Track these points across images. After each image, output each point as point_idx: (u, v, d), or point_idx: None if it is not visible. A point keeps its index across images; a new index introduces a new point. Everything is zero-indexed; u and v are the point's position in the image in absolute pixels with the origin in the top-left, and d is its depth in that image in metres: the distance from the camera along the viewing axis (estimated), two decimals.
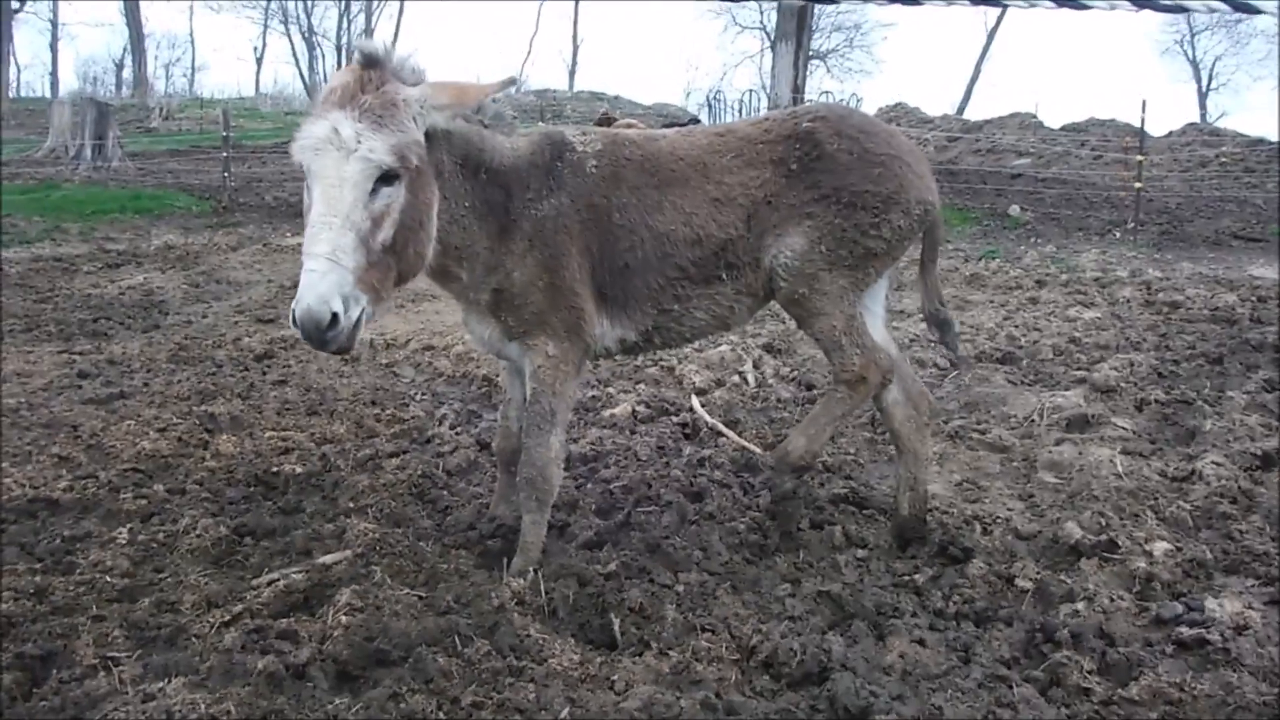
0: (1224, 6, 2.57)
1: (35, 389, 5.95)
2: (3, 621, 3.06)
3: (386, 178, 2.87)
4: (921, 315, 4.06)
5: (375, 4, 55.96)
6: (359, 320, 2.83)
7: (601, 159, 3.52)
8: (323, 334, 2.73)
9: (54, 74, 54.78)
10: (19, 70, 53.31)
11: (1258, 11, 2.56)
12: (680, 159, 3.59)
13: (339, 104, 2.87)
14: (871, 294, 3.81)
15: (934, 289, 4.00)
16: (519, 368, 3.68)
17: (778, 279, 3.57)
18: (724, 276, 3.58)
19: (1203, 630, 3.07)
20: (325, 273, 2.73)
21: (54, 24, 53.36)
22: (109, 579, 3.40)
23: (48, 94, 46.39)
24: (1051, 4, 2.54)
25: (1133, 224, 14.93)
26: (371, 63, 2.97)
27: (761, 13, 44.61)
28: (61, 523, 3.93)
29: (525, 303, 3.40)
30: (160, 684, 2.69)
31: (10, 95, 37.60)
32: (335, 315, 2.73)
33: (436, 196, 3.12)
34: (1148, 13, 2.74)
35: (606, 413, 5.58)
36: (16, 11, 41.58)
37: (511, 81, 3.20)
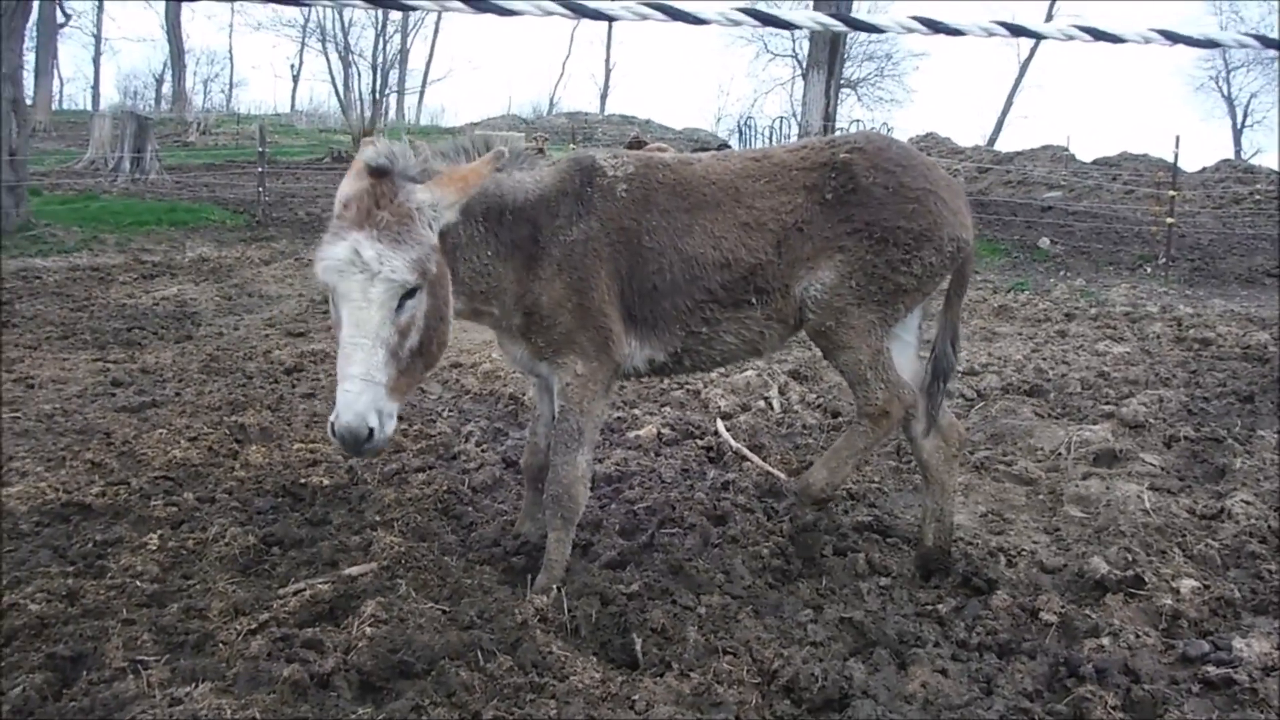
0: (1254, 43, 2.58)
1: (69, 396, 6.05)
2: (35, 623, 3.11)
3: (410, 292, 2.97)
4: (931, 349, 3.93)
5: (411, 25, 56.72)
6: (391, 424, 3.00)
7: (632, 182, 3.56)
8: (360, 447, 2.92)
9: (96, 87, 55.81)
10: (62, 83, 54.40)
11: (1213, 44, 2.57)
12: (712, 183, 3.61)
13: (357, 223, 2.92)
14: (904, 324, 3.78)
15: (953, 327, 3.90)
16: (549, 385, 3.72)
17: (807, 310, 3.59)
18: (753, 301, 3.59)
19: (1230, 670, 3.04)
20: (360, 392, 2.88)
21: (97, 38, 54.44)
22: (139, 584, 3.45)
23: (89, 107, 47.28)
24: (1088, 37, 2.55)
25: (1164, 259, 14.82)
26: (381, 173, 3.00)
27: (794, 40, 44.83)
28: (93, 527, 3.99)
29: (554, 324, 3.43)
30: (187, 688, 2.73)
31: (53, 107, 38.34)
32: (371, 430, 2.88)
33: (449, 278, 3.20)
34: (1181, 48, 2.76)
35: (632, 434, 5.60)
36: (61, 26, 42.47)
37: (500, 155, 3.22)
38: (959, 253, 3.63)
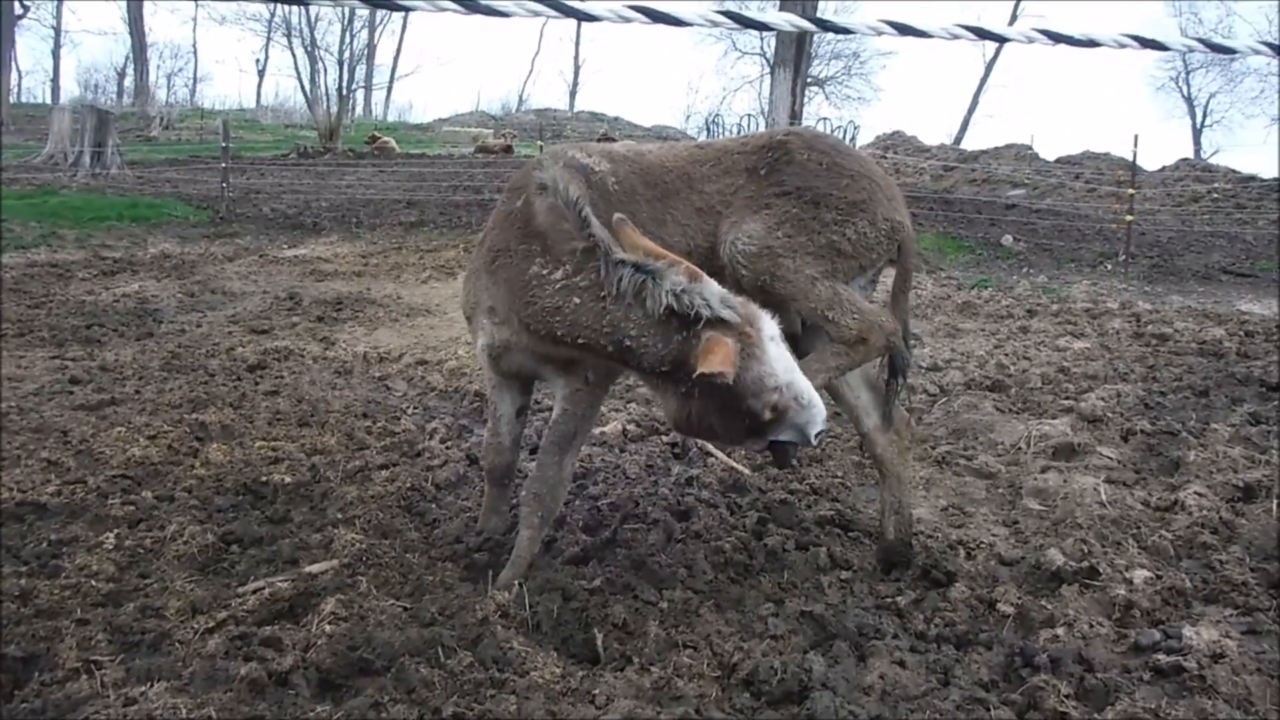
0: (1133, 43, 2.66)
1: (26, 394, 5.95)
2: None
3: None
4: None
5: (378, 20, 56.33)
6: None
7: (617, 175, 3.54)
8: None
9: (55, 81, 55.03)
10: (20, 76, 53.45)
11: (1164, 48, 2.68)
12: (669, 170, 3.65)
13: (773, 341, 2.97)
14: None
15: (903, 324, 3.83)
16: (523, 386, 3.73)
17: (738, 269, 3.50)
18: None
19: (1180, 658, 3.10)
20: None
21: (57, 31, 53.60)
22: (94, 583, 3.40)
23: (49, 100, 46.52)
24: (1048, 41, 2.63)
25: (1124, 257, 15.05)
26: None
27: (761, 39, 45.03)
28: (49, 527, 3.93)
29: None
30: (142, 688, 2.70)
31: (11, 101, 37.66)
32: None
33: None
34: (1150, 51, 2.84)
35: (597, 430, 5.60)
36: (20, 18, 41.74)
37: None
38: (894, 234, 3.63)
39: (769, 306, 3.59)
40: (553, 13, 2.28)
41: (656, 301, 2.91)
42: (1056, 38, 2.70)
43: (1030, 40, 2.77)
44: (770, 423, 2.96)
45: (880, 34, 2.60)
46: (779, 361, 2.93)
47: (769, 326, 2.95)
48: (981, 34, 2.67)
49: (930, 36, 2.62)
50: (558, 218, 3.17)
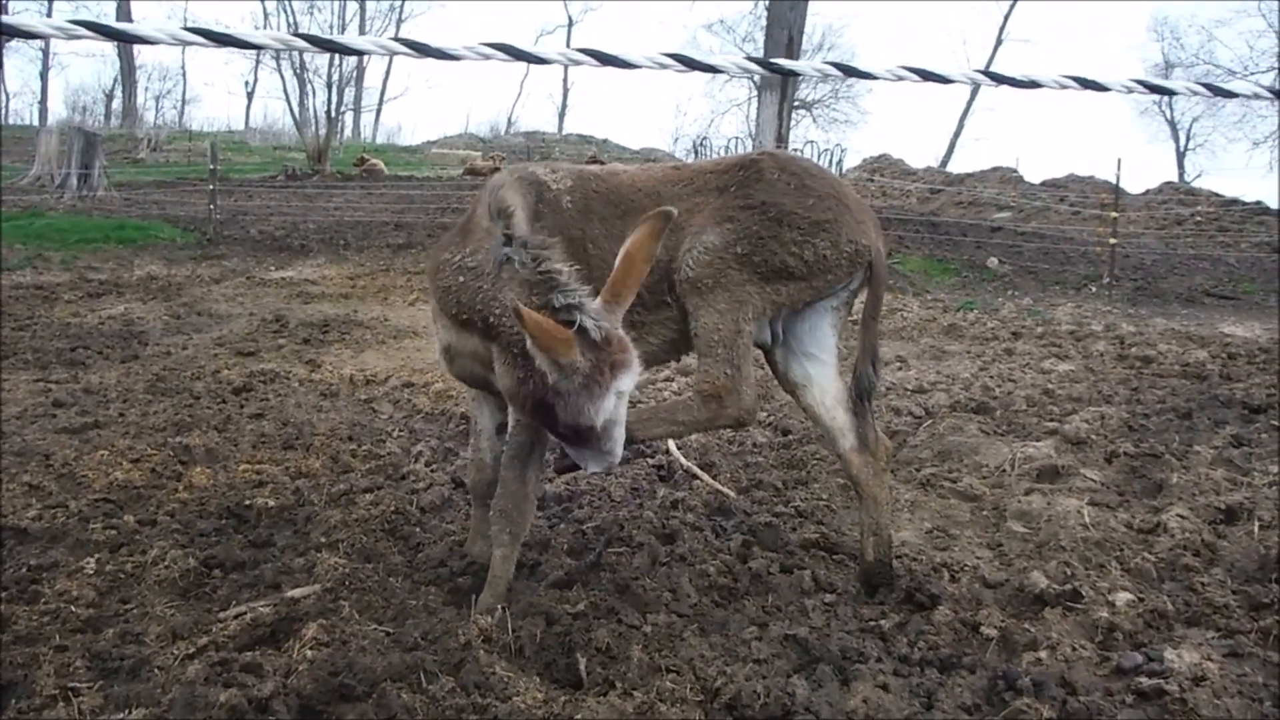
0: (1074, 84, 2.70)
1: (8, 417, 5.92)
2: None
3: None
4: (852, 370, 3.90)
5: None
6: None
7: (575, 194, 3.64)
8: None
9: (43, 103, 54.72)
10: (8, 98, 53.37)
11: (1103, 88, 2.73)
12: (639, 189, 3.71)
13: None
14: (815, 338, 3.80)
15: (871, 349, 3.87)
16: (499, 400, 3.73)
17: (685, 269, 3.53)
18: (669, 300, 3.65)
19: (1161, 681, 3.10)
20: None
21: (45, 53, 53.50)
22: (74, 609, 3.38)
23: (36, 122, 46.39)
24: (990, 82, 2.69)
25: (1108, 279, 15.15)
26: None
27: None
28: (29, 551, 3.91)
29: None
30: (120, 715, 2.68)
31: None
32: None
33: None
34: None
35: None
36: (7, 41, 41.71)
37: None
38: (858, 257, 3.64)
39: (691, 309, 3.63)
40: (503, 56, 2.32)
41: (547, 275, 3.15)
42: (999, 79, 2.75)
43: (974, 83, 2.82)
44: (572, 441, 3.22)
45: (826, 76, 2.65)
46: (606, 410, 3.05)
47: (624, 380, 3.05)
48: (926, 76, 2.71)
49: (875, 78, 2.67)
50: (480, 211, 3.51)
